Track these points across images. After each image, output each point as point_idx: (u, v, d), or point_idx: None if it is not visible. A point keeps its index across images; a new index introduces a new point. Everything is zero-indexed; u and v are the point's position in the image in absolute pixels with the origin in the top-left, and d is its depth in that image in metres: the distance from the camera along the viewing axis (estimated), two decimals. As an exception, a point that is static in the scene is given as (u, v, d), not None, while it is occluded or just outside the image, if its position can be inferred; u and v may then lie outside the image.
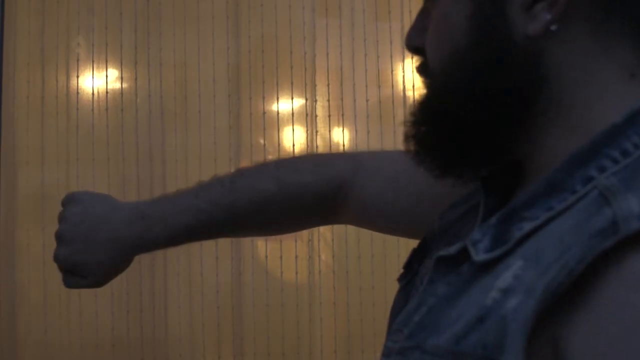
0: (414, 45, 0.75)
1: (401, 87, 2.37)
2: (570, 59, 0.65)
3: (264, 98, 2.34)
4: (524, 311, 0.55)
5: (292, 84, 2.34)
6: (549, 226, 0.60)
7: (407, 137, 0.72)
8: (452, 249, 0.67)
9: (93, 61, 2.37)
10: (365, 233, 2.28)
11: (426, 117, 0.72)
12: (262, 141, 2.32)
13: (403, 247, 2.22)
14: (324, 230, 2.31)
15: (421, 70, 0.74)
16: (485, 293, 0.59)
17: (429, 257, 0.75)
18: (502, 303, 0.57)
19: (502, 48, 0.66)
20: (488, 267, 0.62)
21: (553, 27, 0.64)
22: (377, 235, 2.27)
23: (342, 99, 2.35)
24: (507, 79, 0.66)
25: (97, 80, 2.37)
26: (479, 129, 0.68)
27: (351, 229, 2.30)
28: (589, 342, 0.53)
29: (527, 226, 0.62)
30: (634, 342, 0.51)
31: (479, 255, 0.63)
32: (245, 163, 2.27)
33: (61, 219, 0.94)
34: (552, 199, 0.62)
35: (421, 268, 0.76)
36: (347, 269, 2.29)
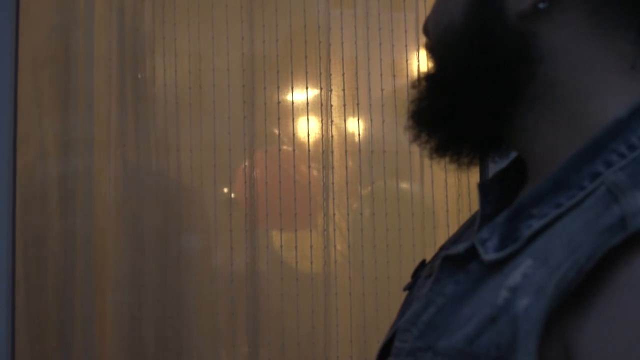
0: (425, 27, 0.76)
1: (416, 76, 2.35)
2: (566, 44, 0.64)
3: (278, 88, 2.33)
4: (535, 311, 0.55)
5: (306, 73, 2.33)
6: (558, 224, 0.60)
7: (409, 114, 0.74)
8: (460, 248, 0.67)
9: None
10: (381, 223, 2.27)
11: (425, 93, 0.73)
12: (276, 131, 2.32)
13: (418, 237, 2.21)
14: (339, 220, 2.30)
15: (426, 48, 0.76)
16: (495, 292, 0.59)
17: (433, 261, 0.75)
18: (513, 302, 0.57)
19: (493, 25, 0.66)
20: (498, 266, 0.62)
21: (541, 5, 0.64)
22: (393, 225, 2.26)
23: (357, 89, 2.34)
24: (497, 56, 0.66)
25: (112, 71, 2.37)
26: (471, 105, 0.68)
27: (367, 219, 2.29)
28: (598, 346, 0.53)
29: (537, 224, 0.61)
30: None
31: (489, 255, 0.63)
32: (259, 153, 2.26)
33: None
34: (561, 195, 0.61)
35: (423, 272, 0.76)
36: (362, 259, 2.29)
